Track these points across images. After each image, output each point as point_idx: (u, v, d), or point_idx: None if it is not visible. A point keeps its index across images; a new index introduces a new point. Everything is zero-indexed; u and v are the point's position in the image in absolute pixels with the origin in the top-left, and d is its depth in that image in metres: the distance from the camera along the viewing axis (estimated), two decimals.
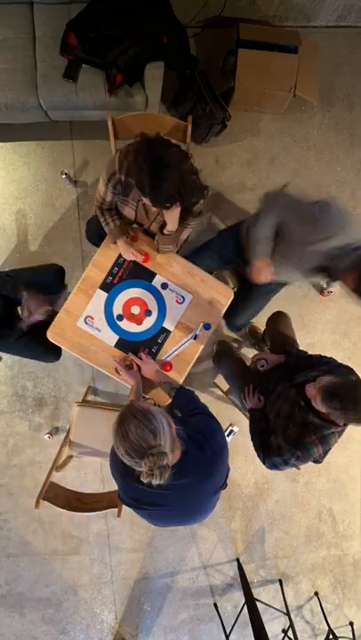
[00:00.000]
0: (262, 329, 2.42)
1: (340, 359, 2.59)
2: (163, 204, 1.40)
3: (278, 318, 2.11)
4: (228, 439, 2.50)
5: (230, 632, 2.37)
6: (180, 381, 1.77)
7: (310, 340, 2.64)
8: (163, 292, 1.79)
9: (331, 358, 1.67)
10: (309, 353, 1.80)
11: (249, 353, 2.56)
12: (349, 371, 1.53)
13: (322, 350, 2.62)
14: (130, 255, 1.74)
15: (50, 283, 1.98)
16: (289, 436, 1.46)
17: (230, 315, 2.07)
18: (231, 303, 1.97)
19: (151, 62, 2.08)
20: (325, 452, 1.47)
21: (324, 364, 1.61)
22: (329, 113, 2.74)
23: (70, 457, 2.02)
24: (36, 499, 1.72)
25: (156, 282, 1.79)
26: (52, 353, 2.01)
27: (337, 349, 2.66)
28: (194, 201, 1.53)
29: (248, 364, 2.19)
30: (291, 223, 1.59)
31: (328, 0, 2.53)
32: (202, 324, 1.78)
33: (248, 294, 1.97)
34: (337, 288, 2.53)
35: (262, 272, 1.70)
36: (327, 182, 2.70)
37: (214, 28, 2.65)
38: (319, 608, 2.51)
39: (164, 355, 1.77)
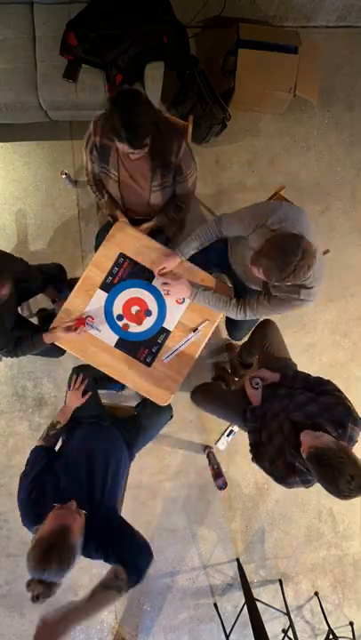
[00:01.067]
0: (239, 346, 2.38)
1: (341, 359, 2.64)
2: (141, 139, 1.40)
3: (265, 331, 1.97)
4: (228, 439, 2.50)
5: (230, 632, 2.37)
6: (181, 381, 1.77)
7: (310, 340, 2.64)
8: (163, 292, 1.79)
9: (329, 382, 1.56)
10: (308, 373, 1.68)
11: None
12: (347, 411, 1.40)
13: (322, 350, 2.64)
14: (123, 219, 1.77)
15: (55, 277, 2.10)
16: (275, 470, 1.45)
17: (232, 328, 2.07)
18: (231, 319, 1.97)
19: (151, 62, 2.08)
20: (310, 486, 1.43)
21: (324, 394, 1.50)
22: (329, 113, 2.74)
23: None
24: None
25: (156, 282, 1.79)
26: (57, 349, 2.04)
27: (337, 349, 2.66)
28: (176, 148, 1.56)
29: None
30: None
31: (328, 0, 2.53)
32: (202, 324, 1.78)
33: None
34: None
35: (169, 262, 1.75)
36: (327, 182, 2.71)
37: (214, 28, 2.65)
38: (319, 608, 2.51)
39: (164, 355, 1.77)
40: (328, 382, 1.60)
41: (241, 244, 1.70)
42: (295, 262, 1.27)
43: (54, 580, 1.10)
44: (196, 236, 1.69)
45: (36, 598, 1.09)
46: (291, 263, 1.27)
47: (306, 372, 1.71)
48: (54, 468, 1.45)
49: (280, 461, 1.42)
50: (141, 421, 1.83)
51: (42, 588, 1.09)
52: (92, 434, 1.63)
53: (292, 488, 1.44)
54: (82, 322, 1.71)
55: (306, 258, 1.28)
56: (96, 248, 1.97)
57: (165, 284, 1.72)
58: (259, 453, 1.56)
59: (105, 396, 2.48)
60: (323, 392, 1.53)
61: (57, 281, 2.12)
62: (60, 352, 2.05)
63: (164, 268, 1.72)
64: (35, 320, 2.45)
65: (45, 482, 1.40)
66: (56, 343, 1.76)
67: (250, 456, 1.62)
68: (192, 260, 1.78)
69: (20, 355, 1.75)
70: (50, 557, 1.08)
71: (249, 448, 1.62)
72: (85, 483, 1.41)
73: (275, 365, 1.80)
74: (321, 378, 1.62)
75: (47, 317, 2.31)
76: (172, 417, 1.95)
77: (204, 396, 1.97)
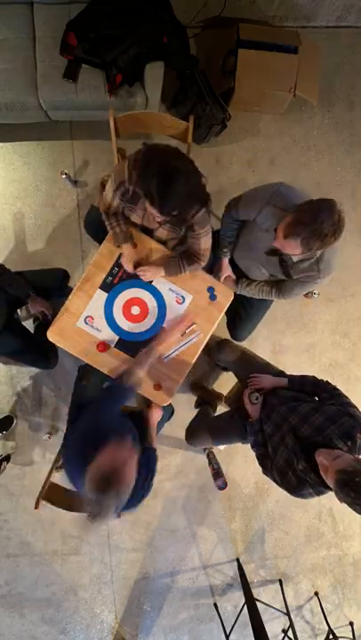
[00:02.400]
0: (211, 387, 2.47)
1: (341, 359, 2.64)
2: (171, 210, 1.38)
3: (228, 349, 1.97)
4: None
5: (230, 632, 2.37)
6: (181, 381, 1.77)
7: (310, 340, 2.64)
8: (163, 292, 1.79)
9: (335, 388, 1.57)
10: (313, 375, 1.68)
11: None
12: (354, 421, 1.39)
13: (322, 350, 2.64)
14: (128, 265, 1.73)
15: (55, 287, 2.00)
16: (287, 483, 1.42)
17: (234, 328, 2.08)
18: (234, 317, 1.97)
19: (151, 62, 2.08)
20: (323, 494, 1.41)
21: (331, 398, 1.51)
22: (329, 113, 2.74)
23: None
24: (36, 499, 1.72)
25: (156, 282, 1.79)
26: (45, 360, 2.04)
27: (337, 349, 2.66)
28: (194, 212, 1.51)
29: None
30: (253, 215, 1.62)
31: (328, 0, 2.53)
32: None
33: (248, 305, 1.98)
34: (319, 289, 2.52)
35: (223, 270, 1.86)
36: (327, 182, 2.71)
37: (214, 28, 2.64)
38: (319, 608, 2.51)
39: (164, 355, 1.76)
40: (327, 382, 1.61)
41: (245, 233, 1.72)
42: (335, 225, 1.29)
43: (111, 504, 1.13)
44: (224, 235, 1.79)
45: (92, 517, 1.14)
46: (331, 227, 1.29)
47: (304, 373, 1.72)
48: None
49: (291, 474, 1.40)
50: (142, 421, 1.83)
51: (98, 508, 1.13)
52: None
53: (306, 499, 1.42)
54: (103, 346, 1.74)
55: (341, 219, 1.31)
56: (86, 225, 1.98)
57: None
58: (265, 465, 1.55)
59: None
60: (325, 398, 1.53)
61: (55, 289, 2.01)
62: (51, 364, 2.08)
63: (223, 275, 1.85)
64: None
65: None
66: (56, 344, 1.76)
67: (252, 458, 1.61)
68: None
69: None
70: (109, 484, 1.12)
71: (257, 461, 1.61)
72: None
73: (273, 371, 1.80)
74: (327, 382, 1.62)
75: (39, 326, 2.27)
76: (173, 413, 1.96)
77: (198, 435, 1.98)
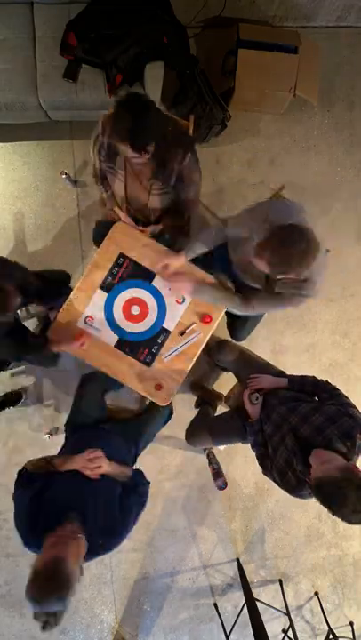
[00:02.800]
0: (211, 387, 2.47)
1: (341, 359, 2.64)
2: (144, 143, 1.39)
3: (228, 349, 1.96)
4: None
5: (230, 632, 2.37)
6: (181, 381, 1.77)
7: (310, 340, 2.64)
8: (163, 292, 1.79)
9: (335, 388, 1.57)
10: (313, 375, 1.68)
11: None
12: (354, 421, 1.38)
13: (322, 350, 2.64)
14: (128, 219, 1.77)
15: (56, 290, 2.01)
16: (287, 483, 1.43)
17: (234, 328, 2.08)
18: (234, 317, 1.96)
19: (151, 62, 2.09)
20: None
21: (331, 398, 1.52)
22: (329, 113, 2.74)
23: None
24: None
25: (156, 282, 1.79)
26: (51, 359, 2.04)
27: (337, 349, 2.66)
28: (180, 158, 1.54)
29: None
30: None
31: (328, 0, 2.53)
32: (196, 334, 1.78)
33: None
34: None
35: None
36: (327, 182, 2.71)
37: (214, 28, 2.64)
38: (319, 608, 2.51)
39: (164, 354, 1.76)
40: (327, 383, 1.61)
41: (241, 242, 1.70)
42: (300, 253, 1.25)
43: (56, 609, 1.09)
44: (202, 240, 1.68)
45: (43, 627, 1.09)
46: (295, 254, 1.25)
47: (304, 373, 1.71)
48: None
49: (290, 474, 1.41)
50: (142, 422, 1.83)
51: (46, 617, 1.08)
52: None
53: (306, 499, 1.42)
54: (80, 337, 1.72)
55: (309, 248, 1.26)
56: (94, 239, 1.97)
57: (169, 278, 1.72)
58: (265, 465, 1.55)
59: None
60: (325, 398, 1.54)
61: (59, 289, 2.02)
62: (52, 363, 2.09)
63: (168, 265, 1.70)
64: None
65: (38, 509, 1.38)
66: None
67: (252, 458, 1.61)
68: (192, 260, 1.77)
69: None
70: (46, 591, 1.07)
71: (257, 461, 1.61)
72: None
73: (273, 371, 1.80)
74: (327, 382, 1.62)
75: (45, 328, 2.27)
76: (172, 413, 1.96)
77: (198, 435, 1.97)
